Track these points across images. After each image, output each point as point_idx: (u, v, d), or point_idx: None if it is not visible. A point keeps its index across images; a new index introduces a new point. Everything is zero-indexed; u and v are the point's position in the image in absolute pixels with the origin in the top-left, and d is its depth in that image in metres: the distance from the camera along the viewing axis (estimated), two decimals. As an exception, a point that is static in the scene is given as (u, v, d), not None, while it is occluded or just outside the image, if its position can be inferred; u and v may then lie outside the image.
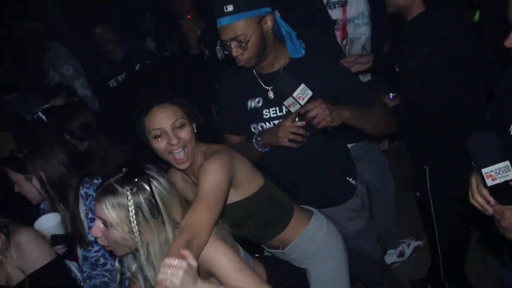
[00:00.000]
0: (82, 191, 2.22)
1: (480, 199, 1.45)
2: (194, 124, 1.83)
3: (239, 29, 1.87)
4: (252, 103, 2.11)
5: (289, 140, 1.94)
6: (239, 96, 2.14)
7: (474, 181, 1.47)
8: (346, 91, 2.04)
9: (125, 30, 4.49)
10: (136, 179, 1.50)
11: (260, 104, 2.09)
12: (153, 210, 1.50)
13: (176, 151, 1.76)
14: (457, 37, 2.27)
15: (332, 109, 1.85)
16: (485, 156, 1.35)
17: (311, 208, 2.14)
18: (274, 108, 2.07)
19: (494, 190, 1.39)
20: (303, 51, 2.05)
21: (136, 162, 1.60)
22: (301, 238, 2.02)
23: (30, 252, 1.88)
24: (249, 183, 1.88)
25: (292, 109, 1.91)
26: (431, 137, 2.45)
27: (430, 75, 2.24)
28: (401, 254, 3.35)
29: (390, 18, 2.71)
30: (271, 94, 2.07)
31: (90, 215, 2.18)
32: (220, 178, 1.64)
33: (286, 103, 1.91)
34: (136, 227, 1.47)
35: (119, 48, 4.02)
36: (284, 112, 2.05)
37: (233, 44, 1.91)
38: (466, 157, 1.43)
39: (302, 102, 1.85)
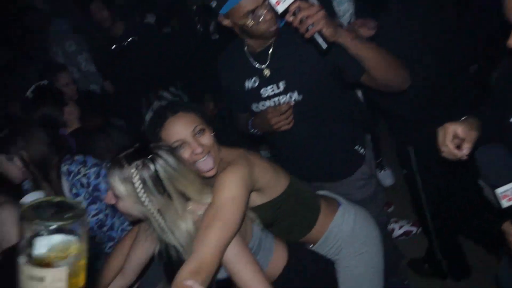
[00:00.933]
0: (64, 168, 2.25)
1: (447, 147, 1.47)
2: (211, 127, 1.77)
3: None
4: (249, 84, 2.10)
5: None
6: (236, 78, 2.14)
7: (441, 134, 1.49)
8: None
9: (126, 5, 4.47)
10: (142, 157, 1.51)
11: (257, 83, 2.08)
12: (158, 187, 1.51)
13: (202, 160, 1.69)
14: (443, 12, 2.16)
15: (329, 19, 1.66)
16: (499, 175, 1.27)
17: (339, 199, 2.06)
18: (271, 86, 2.05)
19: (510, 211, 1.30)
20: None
21: (147, 141, 1.64)
22: (328, 235, 1.96)
23: (8, 226, 1.96)
24: (272, 186, 1.81)
25: (281, 6, 1.64)
26: (413, 116, 2.38)
27: (416, 52, 2.15)
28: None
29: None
30: (266, 72, 2.05)
31: (74, 191, 2.24)
32: (237, 194, 1.56)
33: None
34: (145, 200, 1.50)
35: (118, 24, 3.99)
36: (282, 89, 2.03)
37: (265, 7, 1.80)
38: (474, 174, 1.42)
39: (280, 8, 1.65)
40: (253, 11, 1.81)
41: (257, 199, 1.79)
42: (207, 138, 1.71)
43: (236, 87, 2.15)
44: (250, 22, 1.83)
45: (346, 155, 2.20)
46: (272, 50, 2.01)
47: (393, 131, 2.78)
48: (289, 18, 1.68)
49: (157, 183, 1.51)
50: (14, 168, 2.21)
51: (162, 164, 1.52)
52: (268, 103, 2.08)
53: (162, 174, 1.51)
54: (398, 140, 2.65)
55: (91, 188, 2.25)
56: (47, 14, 4.50)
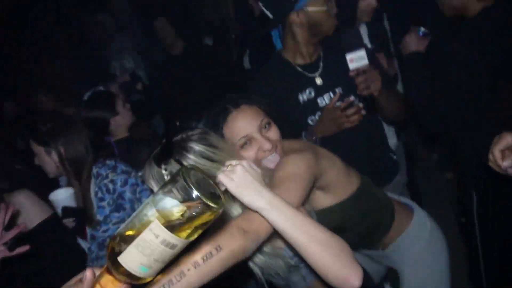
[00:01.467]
0: (95, 170, 2.24)
1: (493, 156, 1.35)
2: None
3: None
4: (304, 96, 2.05)
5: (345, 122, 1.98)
6: (286, 93, 2.05)
7: (495, 141, 1.36)
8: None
9: (185, 25, 4.56)
10: (169, 157, 1.37)
11: (313, 94, 2.05)
12: None
13: (270, 157, 1.49)
14: None
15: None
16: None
17: (410, 203, 1.95)
18: (327, 94, 2.05)
19: None
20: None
21: (171, 138, 1.45)
22: (405, 237, 1.82)
23: (28, 210, 2.09)
24: (341, 185, 1.64)
25: (353, 65, 1.91)
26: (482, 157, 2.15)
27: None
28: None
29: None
30: (319, 81, 2.05)
31: (99, 194, 2.20)
32: (300, 172, 1.37)
33: (349, 56, 1.92)
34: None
35: (178, 42, 4.03)
36: (338, 96, 2.04)
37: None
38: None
39: (351, 66, 1.89)
40: (328, 1, 1.94)
41: (324, 200, 1.61)
42: (274, 132, 1.52)
43: (286, 102, 2.04)
44: (324, 13, 1.93)
45: (384, 161, 2.26)
46: (323, 58, 2.06)
47: (457, 170, 2.54)
48: (353, 74, 1.94)
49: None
50: (51, 162, 2.25)
51: (193, 158, 1.35)
52: None
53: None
54: (461, 181, 2.41)
55: (116, 194, 2.20)
56: (112, 29, 4.68)
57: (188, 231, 0.94)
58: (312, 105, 2.05)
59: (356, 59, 1.86)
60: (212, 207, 0.92)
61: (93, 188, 2.22)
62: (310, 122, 2.07)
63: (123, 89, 3.48)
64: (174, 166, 1.35)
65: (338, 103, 2.02)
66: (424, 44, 2.27)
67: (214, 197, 0.96)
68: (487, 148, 1.37)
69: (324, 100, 2.05)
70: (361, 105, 2.03)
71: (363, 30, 2.65)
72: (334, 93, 2.04)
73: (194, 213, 0.92)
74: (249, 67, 3.71)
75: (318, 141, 2.01)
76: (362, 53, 1.87)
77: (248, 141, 1.49)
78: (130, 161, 2.41)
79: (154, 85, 4.17)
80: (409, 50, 2.27)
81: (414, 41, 2.25)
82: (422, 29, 2.27)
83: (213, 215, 0.95)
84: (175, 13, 4.17)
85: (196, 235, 0.96)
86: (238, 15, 4.45)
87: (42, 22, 4.78)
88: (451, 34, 2.09)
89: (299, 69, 2.06)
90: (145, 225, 0.91)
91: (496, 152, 1.28)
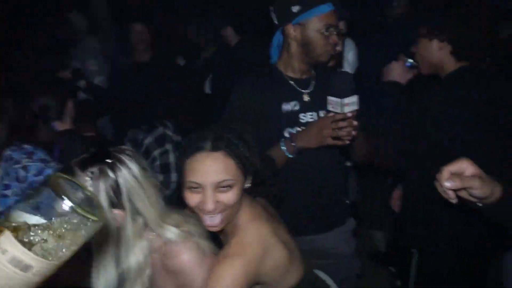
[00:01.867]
0: (7, 153, 2.04)
1: (442, 176, 1.18)
2: (247, 179, 1.46)
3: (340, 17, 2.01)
4: (287, 107, 2.03)
5: (334, 138, 1.84)
6: (270, 100, 2.02)
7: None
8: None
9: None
10: (99, 163, 1.29)
11: (297, 107, 2.03)
12: (114, 200, 1.28)
13: (209, 217, 1.39)
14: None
15: None
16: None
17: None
18: (311, 113, 2.04)
19: None
20: None
21: (107, 144, 1.40)
22: None
23: None
24: (282, 280, 1.50)
25: (348, 108, 1.82)
26: (434, 212, 2.02)
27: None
28: None
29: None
30: (306, 98, 2.04)
31: (5, 181, 1.98)
32: (235, 283, 1.31)
33: (330, 99, 1.83)
34: None
35: (145, 54, 3.91)
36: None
37: (338, 29, 1.99)
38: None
39: (346, 109, 1.79)
40: (329, 27, 1.93)
41: None
42: (229, 196, 1.37)
43: (268, 109, 2.01)
44: (321, 37, 1.94)
45: (341, 202, 2.22)
46: (316, 79, 2.08)
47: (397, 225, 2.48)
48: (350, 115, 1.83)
49: (113, 195, 1.28)
50: None
51: (125, 173, 1.28)
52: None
53: (122, 184, 1.26)
54: (399, 236, 2.34)
55: (26, 184, 1.96)
56: (82, 30, 4.54)
57: (53, 249, 0.70)
58: (293, 118, 2.02)
59: (350, 104, 1.82)
60: (89, 218, 0.72)
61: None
62: (286, 134, 2.01)
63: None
64: (102, 176, 1.27)
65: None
66: (407, 77, 2.20)
67: (91, 208, 0.76)
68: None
69: (306, 117, 2.04)
70: (355, 122, 1.91)
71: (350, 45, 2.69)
72: (318, 114, 2.04)
73: (64, 228, 0.70)
74: (209, 92, 3.67)
75: (296, 150, 1.93)
76: (355, 98, 1.83)
77: (198, 188, 1.36)
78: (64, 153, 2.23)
79: (111, 87, 4.01)
80: (390, 78, 2.20)
81: (398, 71, 2.19)
82: (411, 61, 2.19)
83: (89, 229, 0.74)
84: (157, 23, 4.10)
85: (65, 257, 0.72)
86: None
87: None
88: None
89: (290, 81, 2.06)
90: None
91: (445, 171, 1.22)
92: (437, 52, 2.02)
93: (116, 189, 1.28)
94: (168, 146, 2.98)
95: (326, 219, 2.13)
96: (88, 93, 3.72)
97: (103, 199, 1.26)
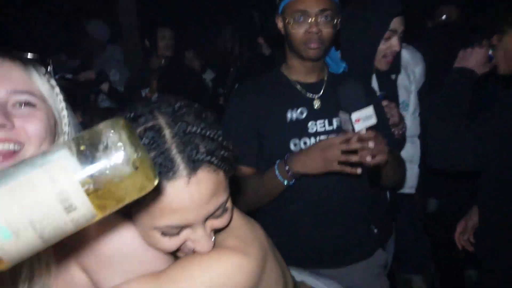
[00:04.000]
0: None
1: None
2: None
3: (331, 4, 1.67)
4: (293, 115, 1.77)
5: (341, 163, 1.53)
6: (273, 107, 1.78)
7: None
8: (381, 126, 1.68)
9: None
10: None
11: (304, 115, 1.76)
12: None
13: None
14: None
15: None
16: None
17: None
18: (322, 121, 1.76)
19: None
20: (343, 66, 1.89)
21: None
22: None
23: None
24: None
25: (360, 125, 1.52)
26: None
27: None
28: None
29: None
30: (317, 104, 1.77)
31: None
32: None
33: (341, 116, 1.58)
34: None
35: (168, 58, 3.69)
36: (335, 127, 1.75)
37: (320, 18, 1.66)
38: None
39: (357, 127, 1.51)
40: (303, 13, 1.66)
41: None
42: (224, 220, 0.96)
43: (271, 117, 1.76)
44: (292, 21, 1.68)
45: (363, 231, 1.87)
46: (327, 81, 1.82)
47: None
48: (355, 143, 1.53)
49: None
50: None
51: None
52: (313, 140, 1.73)
53: None
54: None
55: None
56: (105, 38, 4.44)
57: (101, 199, 0.60)
58: (300, 127, 1.75)
59: (363, 119, 1.52)
60: (151, 174, 0.63)
61: None
62: (292, 146, 1.73)
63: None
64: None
65: (332, 136, 1.68)
66: (484, 69, 1.83)
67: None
68: None
69: (316, 126, 1.76)
70: (371, 144, 1.55)
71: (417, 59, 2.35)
72: (330, 122, 1.75)
73: (119, 177, 0.59)
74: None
75: (292, 176, 1.62)
76: (369, 110, 1.51)
77: (180, 230, 0.91)
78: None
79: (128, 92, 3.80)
80: (465, 64, 1.82)
81: (478, 58, 1.80)
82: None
83: (143, 189, 0.63)
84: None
85: (108, 210, 0.62)
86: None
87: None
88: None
89: (297, 86, 1.81)
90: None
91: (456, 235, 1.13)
92: None
93: None
94: None
95: (349, 247, 1.83)
96: (110, 95, 3.62)
97: None
